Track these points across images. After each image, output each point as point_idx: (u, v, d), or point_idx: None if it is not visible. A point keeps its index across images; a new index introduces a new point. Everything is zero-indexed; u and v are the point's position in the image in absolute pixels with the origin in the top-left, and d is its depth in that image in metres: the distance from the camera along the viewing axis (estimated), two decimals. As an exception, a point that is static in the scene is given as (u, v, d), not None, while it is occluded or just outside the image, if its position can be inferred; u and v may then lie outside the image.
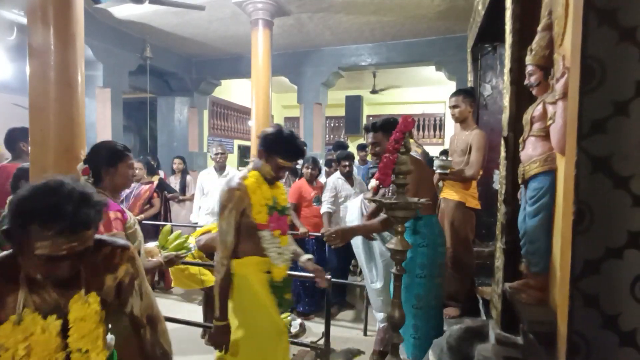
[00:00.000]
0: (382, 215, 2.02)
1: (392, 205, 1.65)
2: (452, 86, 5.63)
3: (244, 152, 8.41)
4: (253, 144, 4.59)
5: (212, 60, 6.45)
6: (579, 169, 1.02)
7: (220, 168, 3.96)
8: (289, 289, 1.83)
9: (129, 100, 6.45)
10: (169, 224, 2.23)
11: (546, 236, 1.27)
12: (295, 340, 2.38)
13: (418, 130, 9.17)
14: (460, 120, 2.74)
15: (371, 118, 9.85)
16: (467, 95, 2.72)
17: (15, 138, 2.66)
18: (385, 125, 2.14)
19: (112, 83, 4.99)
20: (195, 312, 3.29)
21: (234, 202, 1.63)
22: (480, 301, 2.44)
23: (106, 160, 1.57)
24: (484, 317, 2.25)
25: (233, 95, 8.11)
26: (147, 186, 3.99)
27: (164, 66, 6.00)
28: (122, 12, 4.64)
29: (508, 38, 1.54)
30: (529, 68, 1.30)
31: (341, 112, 9.23)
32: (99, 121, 4.93)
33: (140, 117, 7.32)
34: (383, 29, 5.05)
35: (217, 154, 3.91)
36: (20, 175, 2.07)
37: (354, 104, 8.94)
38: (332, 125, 10.04)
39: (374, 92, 7.80)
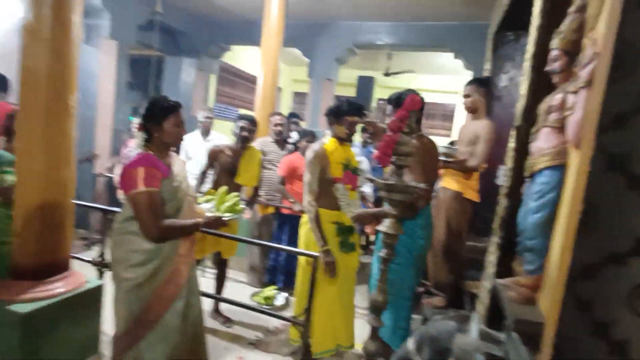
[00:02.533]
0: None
1: (389, 186, 1.57)
2: (468, 77, 5.45)
3: (248, 122, 8.27)
4: (257, 114, 4.48)
5: (224, 23, 6.24)
6: (594, 165, 0.93)
7: (206, 132, 3.94)
8: (355, 234, 2.23)
9: (134, 57, 6.29)
10: (224, 187, 1.99)
11: (546, 235, 1.20)
12: (276, 313, 2.36)
13: (426, 118, 9.00)
14: (472, 110, 2.64)
15: (382, 102, 9.65)
16: (482, 84, 2.61)
17: None
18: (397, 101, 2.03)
19: (119, 35, 4.83)
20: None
21: (317, 158, 2.12)
22: (466, 295, 2.40)
23: (151, 117, 1.56)
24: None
25: (243, 63, 7.91)
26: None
27: (175, 24, 5.81)
28: (135, -39, 4.45)
29: (535, 20, 1.42)
30: (554, 53, 1.20)
31: (351, 92, 9.02)
32: (102, 74, 4.81)
33: (145, 75, 7.16)
34: (404, 7, 4.83)
35: (207, 118, 3.95)
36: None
37: (366, 84, 8.74)
38: (340, 104, 9.83)
39: (387, 74, 7.59)
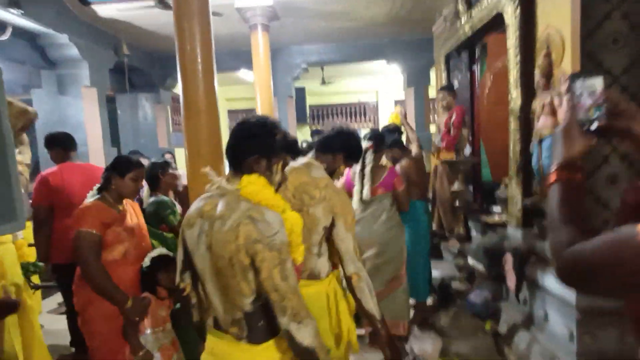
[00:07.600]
0: None
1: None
2: (382, 76, 6.79)
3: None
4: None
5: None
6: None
7: None
8: None
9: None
10: None
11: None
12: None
13: (355, 116, 10.47)
14: (448, 107, 3.93)
15: (314, 109, 10.78)
16: (450, 90, 3.93)
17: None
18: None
19: (97, 82, 4.95)
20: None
21: None
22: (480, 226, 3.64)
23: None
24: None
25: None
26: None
27: (133, 62, 5.98)
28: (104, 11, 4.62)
29: (514, 60, 2.64)
30: (537, 76, 2.40)
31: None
32: (88, 121, 4.87)
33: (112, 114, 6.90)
34: (346, 30, 5.95)
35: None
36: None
37: (299, 95, 9.72)
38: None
39: (323, 83, 8.70)
